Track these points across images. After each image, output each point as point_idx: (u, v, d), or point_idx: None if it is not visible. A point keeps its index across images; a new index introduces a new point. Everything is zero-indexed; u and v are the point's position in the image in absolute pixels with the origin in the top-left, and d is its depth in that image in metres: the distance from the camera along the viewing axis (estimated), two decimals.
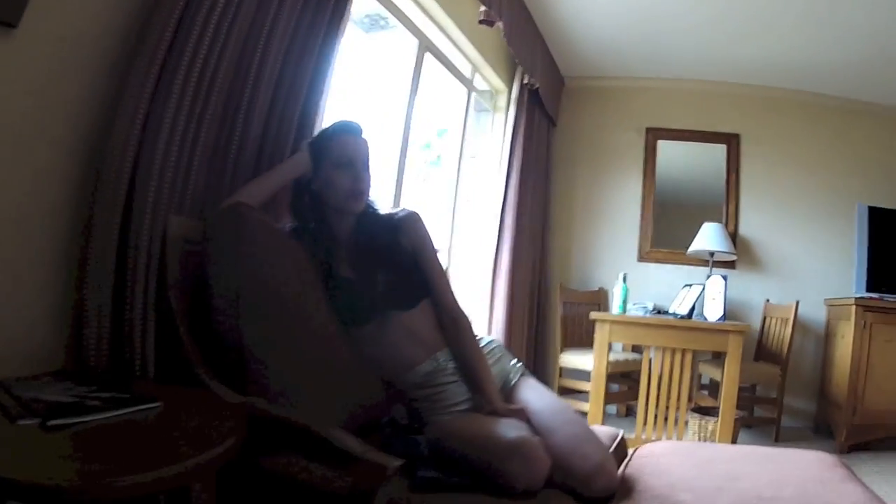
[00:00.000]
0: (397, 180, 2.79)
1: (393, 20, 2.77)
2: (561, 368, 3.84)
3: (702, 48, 3.81)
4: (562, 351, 3.85)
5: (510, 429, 1.21)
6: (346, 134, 1.44)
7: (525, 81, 3.63)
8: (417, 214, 1.51)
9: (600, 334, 3.02)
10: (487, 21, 2.82)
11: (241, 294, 1.20)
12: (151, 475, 0.70)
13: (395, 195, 2.80)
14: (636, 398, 3.06)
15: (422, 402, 1.44)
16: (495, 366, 1.51)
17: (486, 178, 3.77)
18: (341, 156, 1.40)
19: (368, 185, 1.46)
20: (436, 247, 1.52)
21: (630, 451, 1.60)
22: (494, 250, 3.56)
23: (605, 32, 3.76)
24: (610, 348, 3.68)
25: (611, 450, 1.45)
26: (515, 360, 1.58)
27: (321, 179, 1.42)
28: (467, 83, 3.52)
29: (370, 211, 1.50)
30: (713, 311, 3.12)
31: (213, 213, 1.36)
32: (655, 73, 4.27)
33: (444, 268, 1.53)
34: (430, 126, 3.55)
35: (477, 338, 1.51)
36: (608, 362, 3.18)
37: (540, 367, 4.14)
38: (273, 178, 1.47)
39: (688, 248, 3.96)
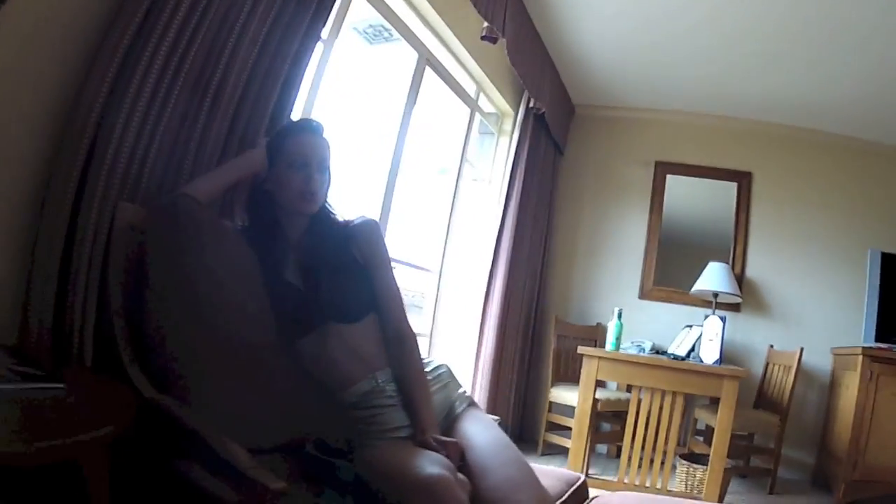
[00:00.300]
0: (386, 192, 2.73)
1: (396, 32, 2.75)
2: (550, 403, 3.76)
3: (715, 82, 3.78)
4: (552, 385, 3.76)
5: (429, 464, 1.10)
6: (303, 133, 1.40)
7: (531, 105, 3.61)
8: (375, 223, 1.46)
9: (587, 370, 2.93)
10: (490, 37, 2.79)
11: (168, 292, 1.17)
12: None
13: (384, 209, 2.73)
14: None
15: (357, 425, 1.35)
16: (440, 392, 1.41)
17: (485, 203, 3.74)
18: (296, 154, 1.35)
19: (323, 188, 1.40)
20: (391, 259, 1.46)
21: (590, 497, 1.49)
22: (488, 276, 3.51)
23: (616, 61, 3.75)
24: (604, 385, 3.62)
25: (563, 498, 1.36)
26: (463, 390, 1.47)
27: (274, 178, 1.38)
28: (471, 103, 3.50)
29: (325, 215, 1.44)
30: (709, 354, 3.03)
31: (154, 203, 1.33)
32: (667, 106, 4.23)
33: (397, 285, 1.41)
34: (430, 143, 3.53)
35: (423, 360, 1.42)
36: (599, 400, 3.11)
37: (530, 399, 4.07)
38: (225, 173, 1.43)
39: (691, 287, 3.88)
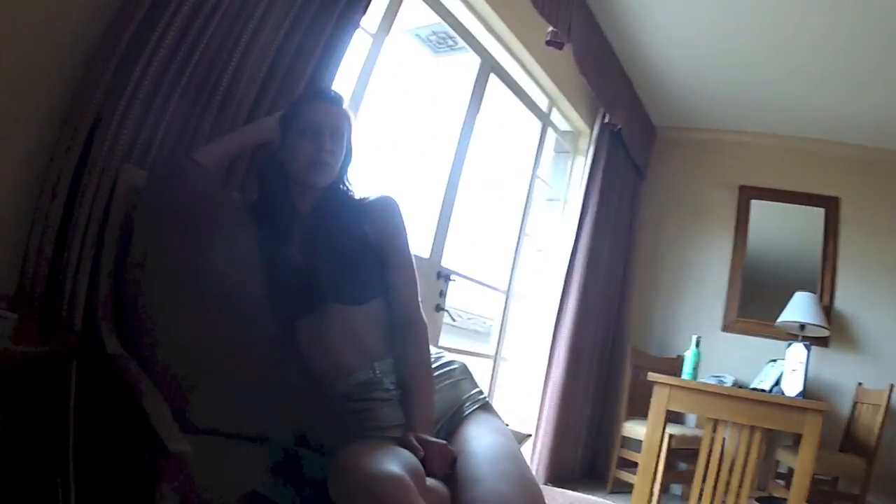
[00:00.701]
0: (444, 203, 2.97)
1: (460, 41, 2.98)
2: (623, 438, 3.91)
3: (801, 103, 3.92)
4: (626, 419, 3.91)
5: (388, 461, 1.03)
6: (318, 101, 1.44)
7: (606, 120, 3.79)
8: (393, 201, 1.46)
9: (658, 399, 3.00)
10: (555, 42, 2.94)
11: (149, 255, 1.27)
12: None
13: (441, 219, 2.99)
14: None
15: (349, 417, 1.34)
16: (448, 390, 1.39)
17: (560, 223, 3.98)
18: (309, 122, 1.40)
19: (337, 159, 1.43)
20: (408, 242, 1.46)
21: None
22: (559, 299, 3.72)
23: (696, 80, 3.95)
24: (682, 422, 3.78)
25: None
26: (478, 390, 1.43)
27: (286, 147, 1.43)
28: (543, 116, 3.69)
29: (338, 190, 1.48)
30: (792, 386, 3.04)
31: (155, 164, 1.45)
32: (751, 128, 4.40)
33: (413, 269, 1.46)
34: (500, 157, 3.77)
35: (432, 353, 1.40)
36: (673, 436, 3.15)
37: (602, 433, 4.22)
38: (233, 139, 1.52)
39: (776, 319, 3.97)
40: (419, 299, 1.43)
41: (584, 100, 3.85)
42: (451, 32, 3.00)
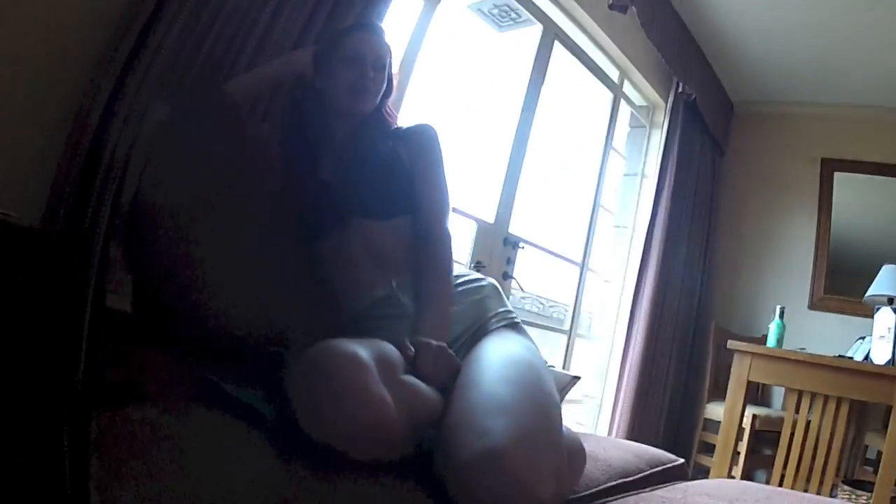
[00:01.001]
0: (509, 169, 2.98)
1: (524, 12, 3.02)
2: (705, 420, 3.84)
3: (885, 72, 3.77)
4: (708, 400, 3.85)
5: (351, 344, 0.91)
6: (360, 30, 1.48)
7: (679, 90, 3.77)
8: (431, 128, 1.48)
9: (738, 370, 2.90)
10: (618, 5, 2.93)
11: (170, 179, 1.29)
12: None
13: (507, 188, 3.00)
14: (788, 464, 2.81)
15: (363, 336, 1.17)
16: (473, 307, 1.32)
17: (637, 199, 3.99)
18: (350, 50, 1.43)
19: (377, 87, 1.45)
20: (444, 168, 1.46)
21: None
22: (637, 278, 3.72)
23: (773, 51, 3.85)
24: (768, 404, 3.70)
25: (636, 476, 1.27)
26: (507, 309, 1.36)
27: (326, 75, 1.44)
28: (615, 88, 3.69)
29: (377, 117, 1.50)
30: (881, 353, 2.91)
31: (183, 92, 1.52)
32: (832, 99, 4.25)
33: (447, 190, 1.44)
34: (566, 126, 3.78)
35: (459, 270, 1.37)
36: (757, 416, 3.11)
37: (684, 416, 4.13)
38: (266, 70, 1.56)
39: (863, 295, 3.78)
40: (447, 221, 1.41)
41: (656, 72, 3.84)
42: (513, 3, 3.03)
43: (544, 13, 3.09)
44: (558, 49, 3.21)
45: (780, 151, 4.54)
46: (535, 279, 3.49)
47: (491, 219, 2.94)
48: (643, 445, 1.58)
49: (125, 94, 1.51)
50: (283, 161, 1.45)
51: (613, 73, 3.70)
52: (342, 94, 1.42)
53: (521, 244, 3.10)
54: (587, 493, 1.18)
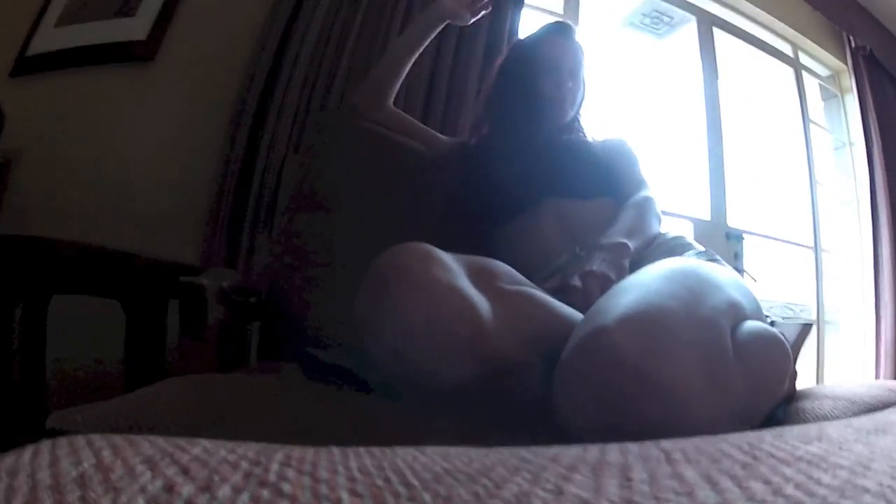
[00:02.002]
0: (711, 164, 2.95)
1: (675, 13, 3.06)
2: None
3: None
4: None
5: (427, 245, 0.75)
6: (554, 35, 1.39)
7: (853, 45, 3.62)
8: (625, 141, 1.43)
9: None
10: None
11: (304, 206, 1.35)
12: None
13: (714, 182, 2.98)
14: None
15: None
16: (665, 252, 1.14)
17: (852, 169, 3.76)
18: (545, 58, 1.35)
19: (574, 96, 1.39)
20: (643, 169, 1.38)
21: None
22: (873, 253, 3.48)
23: None
24: None
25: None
26: (705, 251, 1.18)
27: (512, 83, 1.39)
28: (792, 62, 3.61)
29: (576, 128, 1.44)
30: None
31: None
32: None
33: (649, 188, 1.33)
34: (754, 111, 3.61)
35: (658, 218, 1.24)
36: None
37: None
38: (396, 50, 1.50)
39: None
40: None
41: (828, 37, 3.73)
42: (661, 6, 3.07)
43: (692, 4, 3.12)
44: (721, 36, 3.22)
45: None
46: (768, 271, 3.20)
47: (706, 216, 2.83)
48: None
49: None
50: (470, 161, 1.40)
51: (785, 48, 3.63)
52: (540, 106, 1.37)
53: (744, 236, 2.88)
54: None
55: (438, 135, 1.57)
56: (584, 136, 1.46)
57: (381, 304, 0.66)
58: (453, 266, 0.72)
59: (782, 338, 0.79)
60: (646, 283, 0.72)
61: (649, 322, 0.61)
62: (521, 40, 1.48)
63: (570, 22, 1.48)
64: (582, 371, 0.61)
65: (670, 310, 0.64)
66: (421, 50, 1.47)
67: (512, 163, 1.32)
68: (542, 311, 0.78)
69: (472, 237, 1.32)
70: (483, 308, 0.69)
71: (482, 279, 0.75)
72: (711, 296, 0.72)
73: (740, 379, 0.64)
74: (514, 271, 0.86)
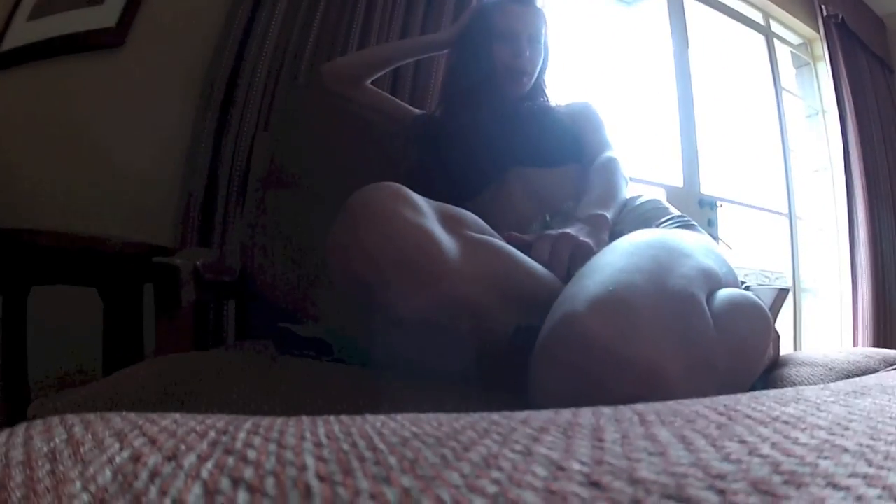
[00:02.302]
0: (683, 132, 2.95)
1: None
2: None
3: None
4: None
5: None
6: (511, 2, 1.36)
7: (824, 13, 3.62)
8: (590, 104, 1.43)
9: None
10: None
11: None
12: None
13: (686, 150, 2.98)
14: None
15: None
16: (638, 219, 1.14)
17: (827, 137, 3.80)
18: (503, 26, 1.33)
19: (534, 66, 1.36)
20: (609, 133, 1.37)
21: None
22: (847, 217, 3.51)
23: None
24: None
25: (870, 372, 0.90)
26: (680, 214, 1.16)
27: (474, 56, 1.35)
28: (763, 30, 3.62)
29: (535, 96, 1.43)
30: None
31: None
32: None
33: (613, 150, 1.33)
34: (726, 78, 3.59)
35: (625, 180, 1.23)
36: None
37: None
38: (397, 50, 1.55)
39: None
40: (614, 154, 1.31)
41: (797, 3, 3.75)
42: None
43: None
44: (691, 4, 3.21)
45: None
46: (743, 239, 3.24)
47: (679, 182, 2.81)
48: (879, 349, 1.24)
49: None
50: (432, 139, 1.38)
51: (757, 16, 3.65)
52: (497, 76, 1.34)
53: (718, 203, 2.91)
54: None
55: (409, 107, 1.56)
56: (548, 101, 1.45)
57: (349, 235, 0.68)
58: (424, 207, 0.73)
59: (761, 303, 0.77)
60: (612, 261, 0.70)
61: (619, 302, 0.60)
62: (477, 8, 1.46)
63: None
64: (556, 357, 0.60)
65: (638, 286, 0.62)
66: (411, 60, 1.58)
67: (475, 134, 1.31)
68: (509, 261, 0.78)
69: None
70: (449, 247, 0.69)
71: (452, 224, 0.76)
72: (681, 265, 0.70)
73: (721, 351, 0.62)
74: (484, 223, 0.86)
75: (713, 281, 0.73)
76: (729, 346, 0.64)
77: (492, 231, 0.85)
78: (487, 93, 1.33)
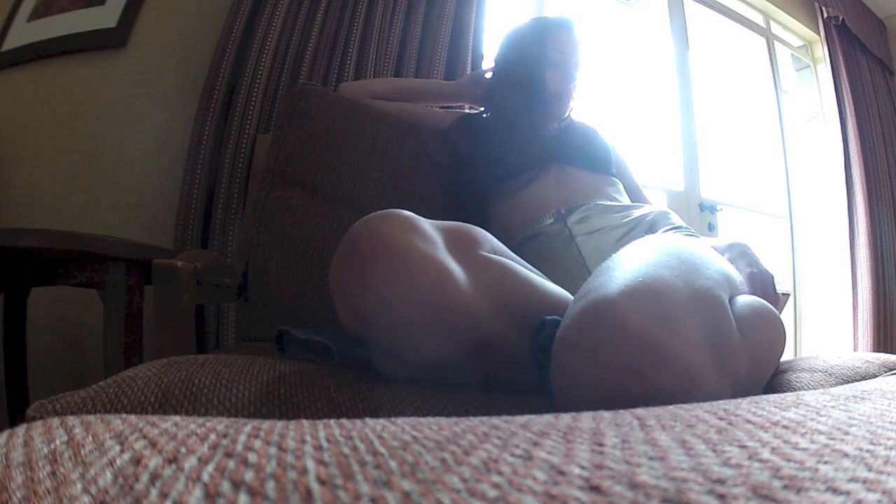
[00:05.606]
0: (684, 137, 2.94)
1: None
2: None
3: None
4: None
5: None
6: (562, 30, 1.40)
7: (825, 15, 3.63)
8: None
9: None
10: None
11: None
12: None
13: (687, 154, 2.95)
14: None
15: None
16: (643, 229, 1.18)
17: (827, 140, 3.77)
18: (554, 52, 1.38)
19: (577, 88, 1.43)
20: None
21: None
22: (847, 219, 3.50)
23: None
24: None
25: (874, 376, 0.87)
26: (685, 225, 1.21)
27: (519, 77, 1.40)
28: (762, 31, 3.61)
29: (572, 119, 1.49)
30: None
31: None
32: None
33: None
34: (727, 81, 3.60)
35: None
36: None
37: None
38: (415, 85, 1.60)
39: None
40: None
41: (801, 7, 3.77)
42: None
43: None
44: (692, 6, 3.21)
45: None
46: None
47: (679, 186, 2.82)
48: (879, 354, 1.23)
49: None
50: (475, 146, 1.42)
51: (757, 18, 3.65)
52: (546, 100, 1.40)
53: (718, 207, 2.90)
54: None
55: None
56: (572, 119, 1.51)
57: (357, 273, 0.61)
58: (432, 234, 0.66)
59: (777, 313, 0.78)
60: (636, 257, 0.67)
61: (653, 292, 0.57)
62: (522, 34, 1.47)
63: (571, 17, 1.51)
64: (584, 346, 0.56)
65: (670, 281, 0.60)
66: (426, 102, 1.58)
67: (530, 128, 1.37)
68: (522, 284, 0.74)
69: (455, 210, 1.38)
70: (461, 281, 0.64)
71: (460, 246, 0.70)
72: (705, 266, 0.69)
73: (743, 352, 0.62)
74: (495, 239, 0.81)
75: (733, 286, 0.74)
76: (751, 352, 0.64)
77: (501, 247, 0.82)
78: (529, 115, 1.39)
